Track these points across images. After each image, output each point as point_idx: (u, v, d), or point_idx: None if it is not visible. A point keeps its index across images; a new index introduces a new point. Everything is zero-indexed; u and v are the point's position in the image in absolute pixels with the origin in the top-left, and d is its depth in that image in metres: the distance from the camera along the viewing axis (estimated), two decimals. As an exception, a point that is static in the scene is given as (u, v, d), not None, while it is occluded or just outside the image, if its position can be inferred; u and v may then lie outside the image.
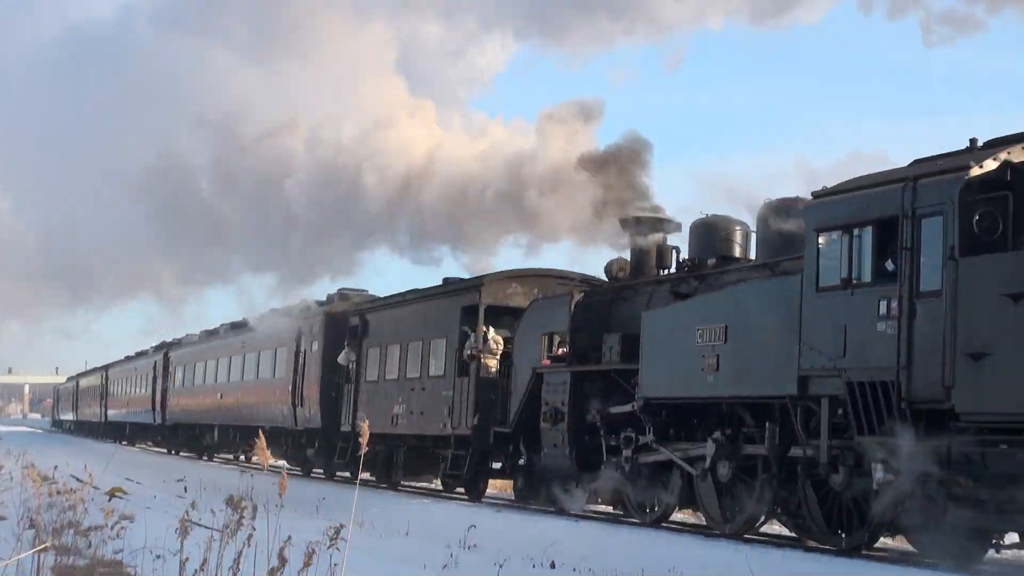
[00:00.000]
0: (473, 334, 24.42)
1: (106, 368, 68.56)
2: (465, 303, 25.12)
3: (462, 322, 24.97)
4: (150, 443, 57.90)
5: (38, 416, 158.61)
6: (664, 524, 20.83)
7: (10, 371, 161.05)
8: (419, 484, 30.00)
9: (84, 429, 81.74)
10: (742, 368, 16.87)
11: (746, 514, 17.55)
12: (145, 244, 31.47)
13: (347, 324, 30.84)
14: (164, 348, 51.60)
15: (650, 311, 19.56)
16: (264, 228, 27.82)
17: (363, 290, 33.60)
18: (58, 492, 11.27)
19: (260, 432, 7.37)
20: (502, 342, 24.02)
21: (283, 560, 6.15)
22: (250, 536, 6.94)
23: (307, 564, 6.35)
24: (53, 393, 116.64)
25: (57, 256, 35.02)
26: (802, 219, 16.28)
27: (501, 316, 24.77)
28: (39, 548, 9.10)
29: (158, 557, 9.29)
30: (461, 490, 25.85)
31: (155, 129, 28.03)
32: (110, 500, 9.06)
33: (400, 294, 29.35)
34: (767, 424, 16.66)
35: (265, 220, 27.37)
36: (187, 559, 7.48)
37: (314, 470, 34.49)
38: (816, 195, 16.10)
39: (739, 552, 15.27)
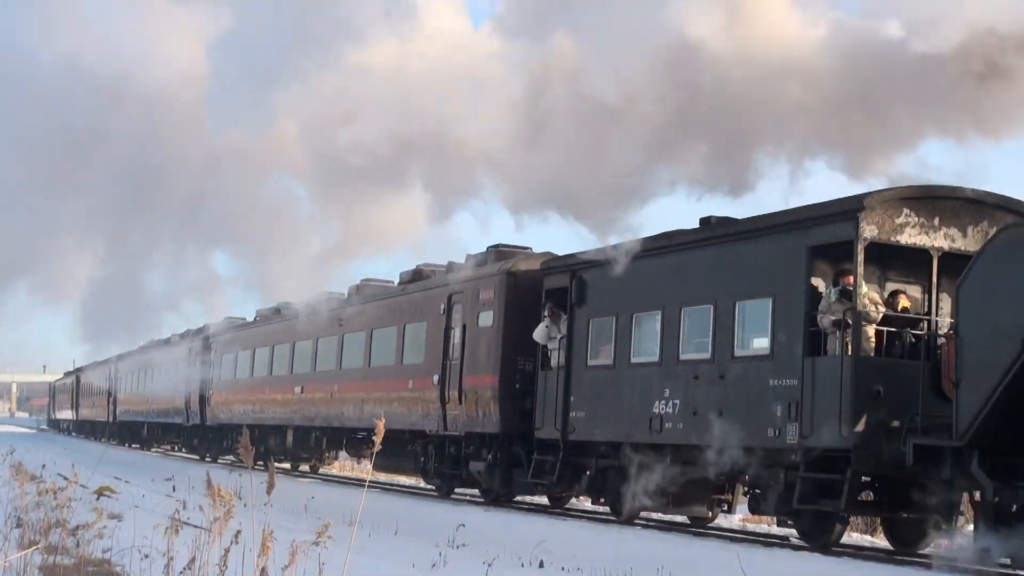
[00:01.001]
0: (834, 289, 16.51)
1: (116, 360, 58.42)
2: (818, 240, 16.73)
3: (810, 270, 16.87)
4: (177, 446, 50.83)
5: (26, 415, 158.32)
6: (655, 522, 20.85)
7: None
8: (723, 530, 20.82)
9: (86, 430, 74.73)
10: None
11: None
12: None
13: (540, 288, 22.58)
14: (202, 333, 43.34)
15: None
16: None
17: (524, 247, 25.21)
18: (46, 491, 11.25)
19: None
20: (880, 302, 16.42)
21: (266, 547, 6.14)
22: (238, 533, 6.92)
23: (291, 563, 6.34)
24: (48, 390, 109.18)
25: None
26: None
27: (886, 261, 17.10)
28: (29, 549, 9.07)
29: (146, 556, 9.26)
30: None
31: None
32: (98, 499, 9.04)
33: (660, 236, 19.95)
34: None
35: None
36: (172, 558, 7.46)
37: (463, 490, 26.37)
38: None
39: (728, 550, 15.29)
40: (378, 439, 5.95)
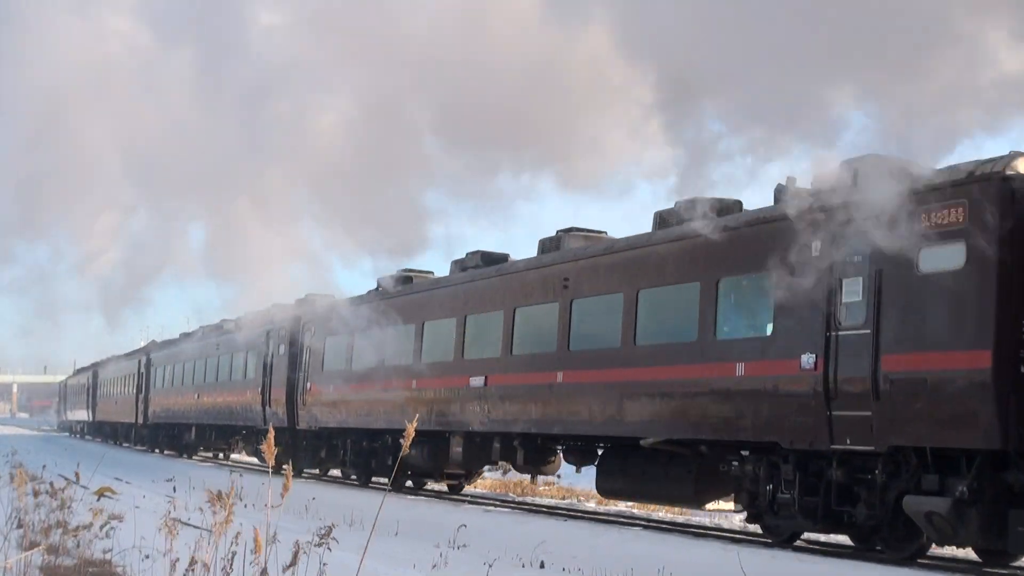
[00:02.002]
0: None
1: (146, 352, 52.18)
2: None
3: None
4: (235, 451, 42.21)
5: (26, 415, 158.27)
6: (655, 523, 20.84)
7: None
8: None
9: (105, 432, 66.52)
10: None
11: None
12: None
13: None
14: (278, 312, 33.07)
15: None
16: None
17: None
18: (46, 492, 11.26)
19: None
20: None
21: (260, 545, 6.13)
22: (237, 534, 6.92)
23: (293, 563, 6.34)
24: (57, 389, 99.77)
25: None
26: None
27: None
28: (31, 551, 9.07)
29: (147, 556, 9.26)
30: None
31: None
32: (99, 500, 9.04)
33: None
34: None
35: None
36: (177, 559, 7.46)
37: None
38: None
39: (728, 551, 15.28)
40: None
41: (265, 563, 6.13)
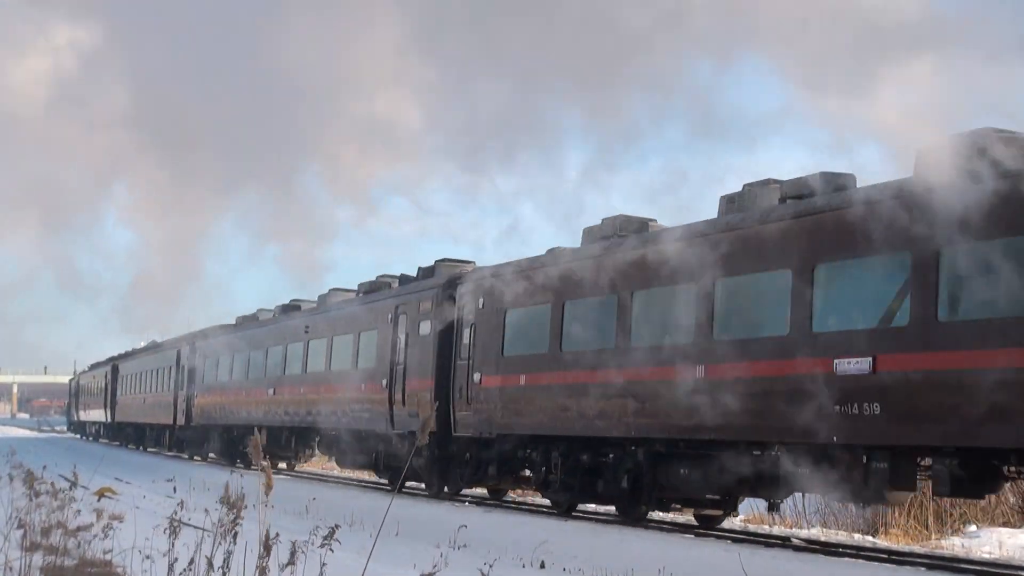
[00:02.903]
0: None
1: (189, 340, 42.92)
2: None
3: None
4: (339, 466, 33.25)
5: (26, 416, 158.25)
6: (655, 523, 20.82)
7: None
8: None
9: (126, 435, 58.34)
10: None
11: None
12: None
13: None
14: (451, 278, 24.67)
15: None
16: None
17: None
18: (46, 492, 11.26)
19: None
20: None
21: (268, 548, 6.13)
22: (236, 535, 6.92)
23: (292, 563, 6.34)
24: (69, 387, 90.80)
25: None
26: None
27: None
28: (33, 552, 9.07)
29: (147, 557, 9.25)
30: None
31: None
32: (99, 500, 9.03)
33: None
34: None
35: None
36: (176, 559, 7.46)
37: None
38: None
39: (729, 551, 15.28)
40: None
41: (267, 563, 6.13)
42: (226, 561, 6.85)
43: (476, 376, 22.75)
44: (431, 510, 22.12)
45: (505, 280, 21.86)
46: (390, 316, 26.37)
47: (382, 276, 29.34)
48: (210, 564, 6.78)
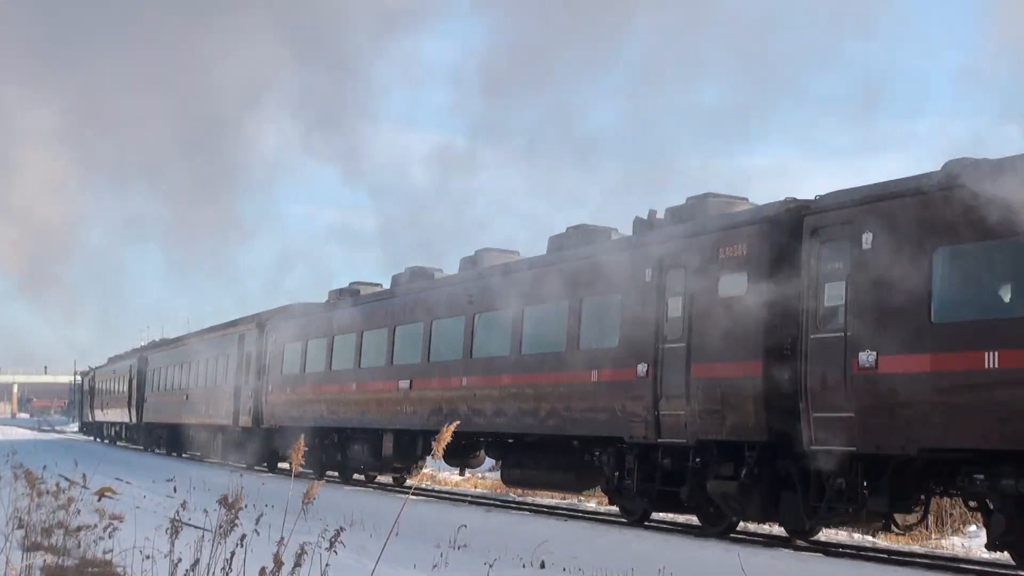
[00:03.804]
0: None
1: (257, 322, 35.42)
2: None
3: None
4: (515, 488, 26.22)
5: (26, 416, 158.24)
6: (655, 523, 20.84)
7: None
8: None
9: (155, 438, 50.37)
10: None
11: None
12: None
13: None
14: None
15: None
16: None
17: None
18: (47, 492, 11.27)
19: None
20: None
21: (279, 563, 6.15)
22: (243, 537, 6.93)
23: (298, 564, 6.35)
24: (82, 383, 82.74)
25: None
26: None
27: None
28: (34, 553, 9.09)
29: (148, 557, 9.27)
30: None
31: None
32: (99, 500, 9.05)
33: None
34: None
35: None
36: (179, 560, 7.47)
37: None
38: None
39: (729, 552, 15.28)
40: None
41: (275, 565, 6.15)
42: (229, 562, 6.86)
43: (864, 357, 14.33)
44: (431, 510, 22.12)
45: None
46: (650, 272, 18.18)
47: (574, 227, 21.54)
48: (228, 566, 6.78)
